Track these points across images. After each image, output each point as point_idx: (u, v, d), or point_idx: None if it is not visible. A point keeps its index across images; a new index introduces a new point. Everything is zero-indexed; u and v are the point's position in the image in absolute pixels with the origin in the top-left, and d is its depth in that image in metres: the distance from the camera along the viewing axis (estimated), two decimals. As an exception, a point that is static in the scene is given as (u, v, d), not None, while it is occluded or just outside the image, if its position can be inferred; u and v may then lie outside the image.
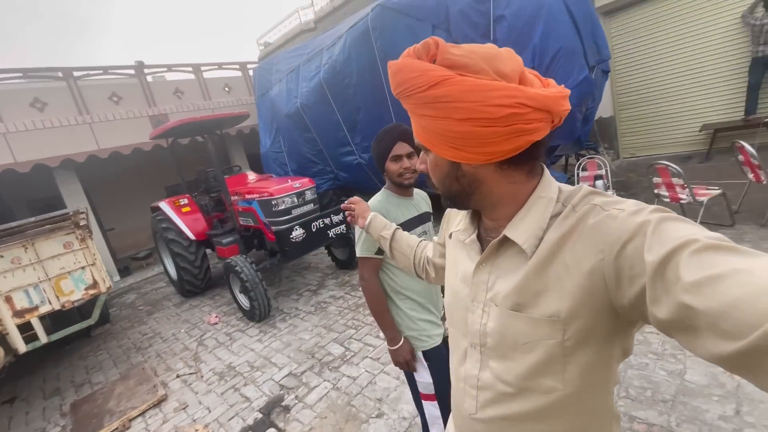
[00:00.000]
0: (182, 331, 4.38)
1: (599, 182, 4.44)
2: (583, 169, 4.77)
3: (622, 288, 0.49)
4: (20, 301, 3.15)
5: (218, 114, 4.75)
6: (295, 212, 4.25)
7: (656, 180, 3.77)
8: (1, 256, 3.07)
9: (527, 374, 0.60)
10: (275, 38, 19.00)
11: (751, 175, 3.53)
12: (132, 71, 7.71)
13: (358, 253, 1.44)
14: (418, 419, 1.70)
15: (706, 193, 3.49)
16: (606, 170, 4.58)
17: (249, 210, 4.44)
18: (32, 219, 3.13)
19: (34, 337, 3.26)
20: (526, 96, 0.52)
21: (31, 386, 3.83)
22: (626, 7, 6.21)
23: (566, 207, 0.58)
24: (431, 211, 1.60)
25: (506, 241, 0.62)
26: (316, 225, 4.15)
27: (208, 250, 5.42)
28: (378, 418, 2.32)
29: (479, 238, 0.71)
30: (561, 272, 0.55)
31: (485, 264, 0.66)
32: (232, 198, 4.73)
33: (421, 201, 1.57)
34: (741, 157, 3.58)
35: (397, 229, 1.14)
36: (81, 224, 3.39)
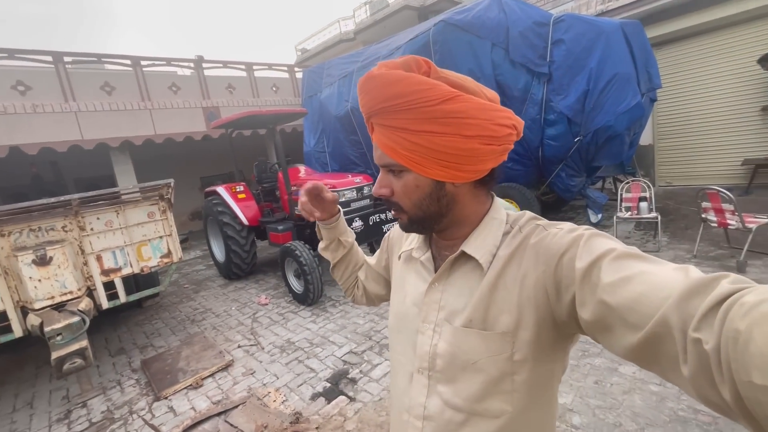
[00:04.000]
0: (233, 308, 4.62)
1: (643, 204, 4.59)
2: (627, 191, 4.93)
3: (561, 298, 0.52)
4: (108, 261, 3.44)
5: (282, 109, 5.07)
6: (354, 205, 4.51)
7: (705, 205, 3.92)
8: (98, 218, 3.37)
9: (478, 395, 0.59)
10: (313, 45, 19.69)
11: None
12: (191, 65, 8.18)
13: None
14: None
15: (755, 221, 3.63)
16: (650, 193, 4.74)
17: (307, 200, 4.70)
18: (130, 186, 3.43)
19: (114, 297, 3.52)
20: (516, 120, 0.59)
21: (95, 345, 4.08)
22: (676, 41, 6.45)
23: (513, 228, 0.62)
24: None
25: (461, 258, 0.64)
26: (373, 219, 4.40)
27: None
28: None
29: (432, 257, 0.71)
30: (510, 286, 0.58)
31: (438, 283, 0.66)
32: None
33: None
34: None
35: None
36: (166, 197, 3.68)
